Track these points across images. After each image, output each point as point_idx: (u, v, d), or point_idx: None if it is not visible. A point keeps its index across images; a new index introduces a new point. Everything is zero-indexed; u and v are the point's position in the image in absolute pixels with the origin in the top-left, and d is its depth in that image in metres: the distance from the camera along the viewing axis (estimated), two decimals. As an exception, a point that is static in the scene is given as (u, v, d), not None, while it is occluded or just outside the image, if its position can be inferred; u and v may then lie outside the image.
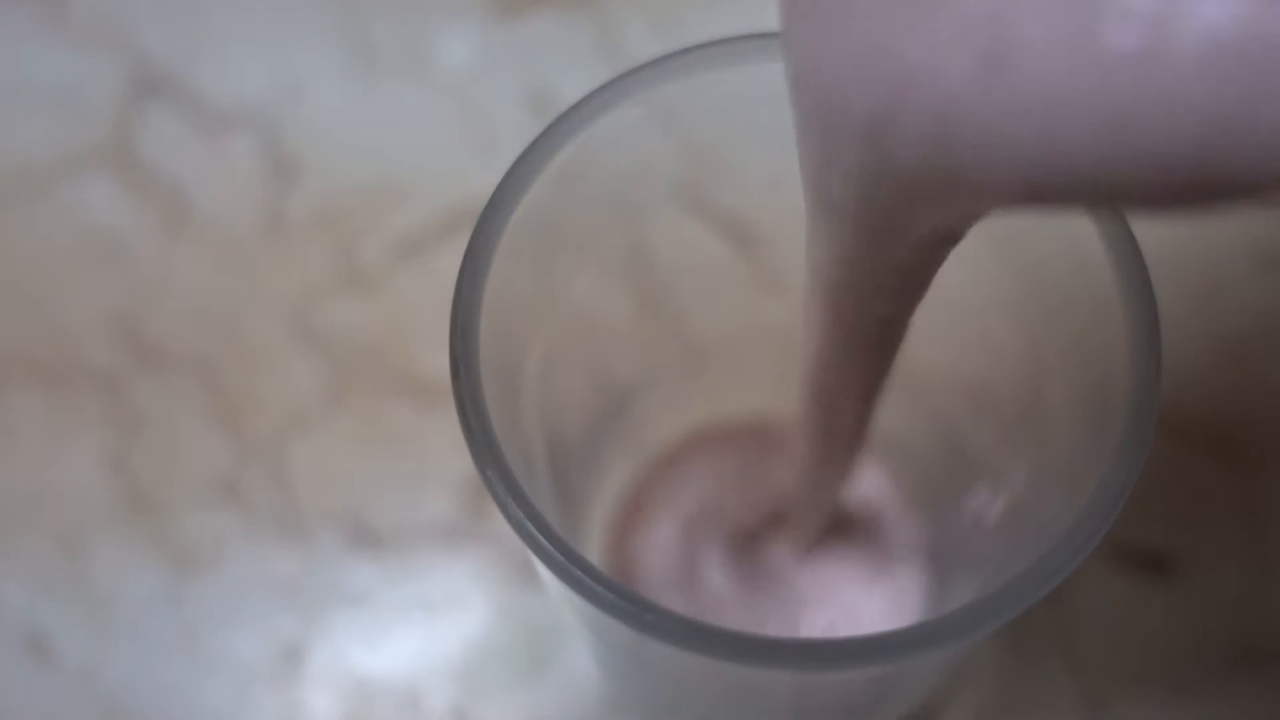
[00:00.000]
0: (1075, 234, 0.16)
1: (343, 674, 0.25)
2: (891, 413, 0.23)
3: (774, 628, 0.22)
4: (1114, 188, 0.09)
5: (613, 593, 0.14)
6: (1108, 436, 0.15)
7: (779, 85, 0.14)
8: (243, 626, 0.26)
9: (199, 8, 0.31)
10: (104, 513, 0.27)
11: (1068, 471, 0.17)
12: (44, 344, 0.28)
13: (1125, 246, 0.15)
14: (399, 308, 0.28)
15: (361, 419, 0.27)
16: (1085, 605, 0.25)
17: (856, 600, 0.23)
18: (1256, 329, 0.27)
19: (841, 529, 0.24)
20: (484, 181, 0.16)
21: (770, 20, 0.16)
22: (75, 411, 0.27)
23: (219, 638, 0.26)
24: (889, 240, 0.12)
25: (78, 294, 0.29)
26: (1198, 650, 0.25)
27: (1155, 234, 0.17)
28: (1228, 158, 0.08)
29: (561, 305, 0.19)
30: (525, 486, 0.14)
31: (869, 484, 0.24)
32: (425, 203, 0.29)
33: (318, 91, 0.30)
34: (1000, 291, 0.18)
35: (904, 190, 0.11)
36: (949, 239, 0.12)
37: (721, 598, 0.23)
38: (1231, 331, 0.27)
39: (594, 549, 0.24)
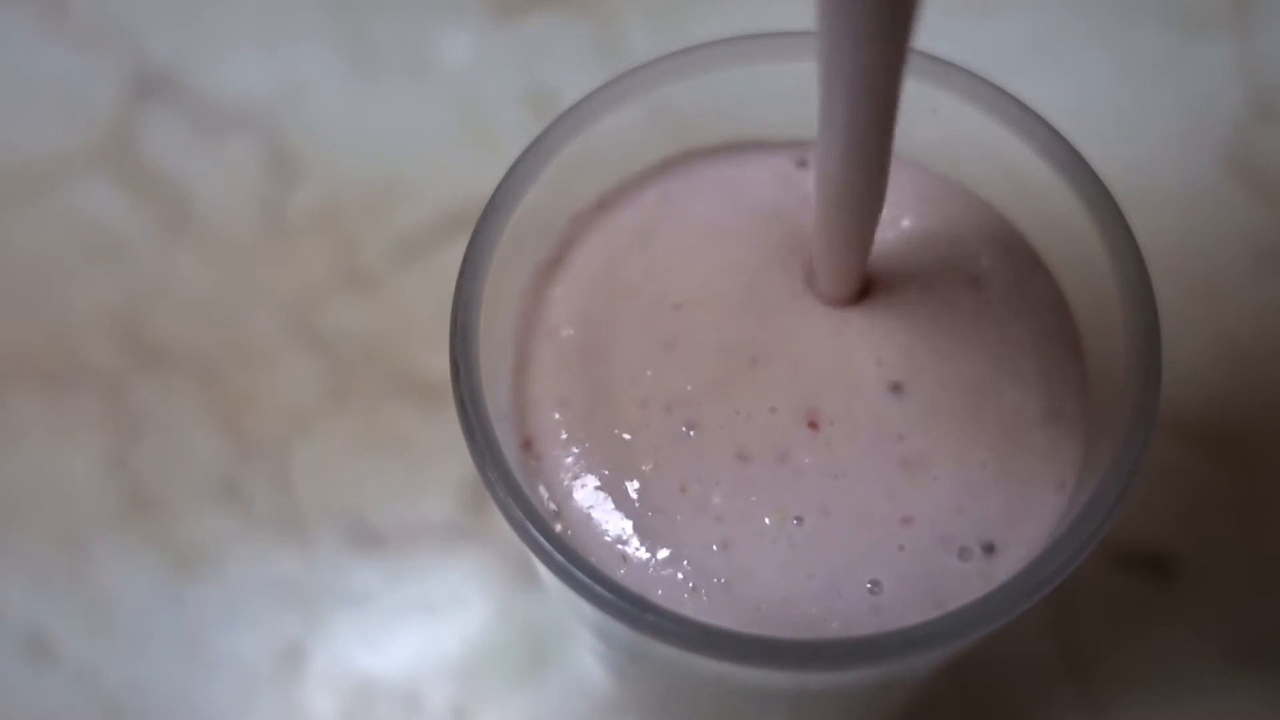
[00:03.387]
0: (1076, 234, 0.16)
1: (343, 674, 0.25)
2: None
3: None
4: None
5: (613, 593, 0.14)
6: (1108, 436, 0.15)
7: (779, 86, 0.14)
8: (243, 627, 0.26)
9: (199, 8, 0.31)
10: (104, 513, 0.27)
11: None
12: (44, 344, 0.28)
13: (1125, 246, 0.15)
14: (399, 308, 0.28)
15: (361, 419, 0.27)
16: (1085, 605, 0.25)
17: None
18: (1256, 329, 0.27)
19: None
20: (484, 181, 0.16)
21: (770, 20, 0.16)
22: (75, 411, 0.27)
23: (220, 638, 0.26)
24: None
25: (78, 294, 0.29)
26: (1198, 650, 0.25)
27: (1155, 234, 0.17)
28: None
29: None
30: (525, 486, 0.14)
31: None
32: (425, 203, 0.29)
33: (318, 91, 0.30)
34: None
35: None
36: None
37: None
38: (1231, 331, 0.27)
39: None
